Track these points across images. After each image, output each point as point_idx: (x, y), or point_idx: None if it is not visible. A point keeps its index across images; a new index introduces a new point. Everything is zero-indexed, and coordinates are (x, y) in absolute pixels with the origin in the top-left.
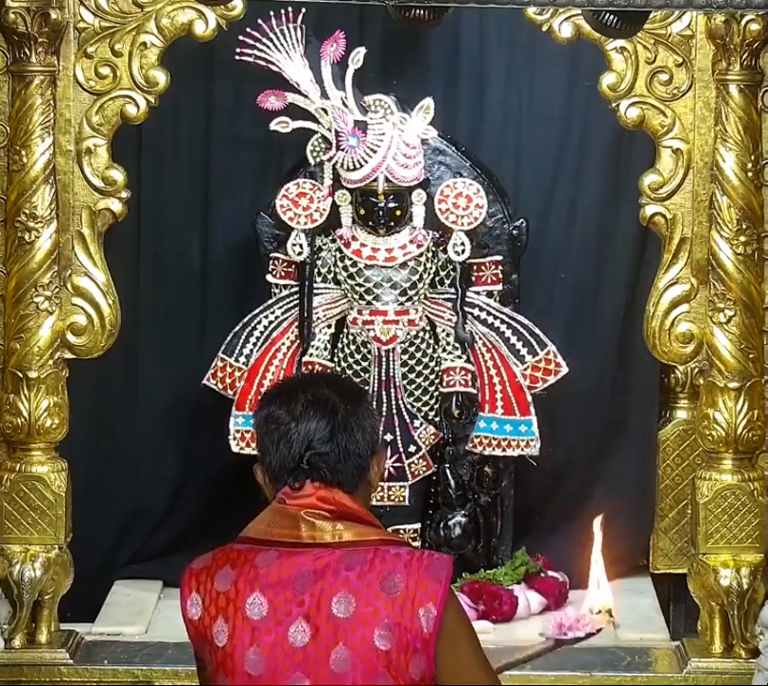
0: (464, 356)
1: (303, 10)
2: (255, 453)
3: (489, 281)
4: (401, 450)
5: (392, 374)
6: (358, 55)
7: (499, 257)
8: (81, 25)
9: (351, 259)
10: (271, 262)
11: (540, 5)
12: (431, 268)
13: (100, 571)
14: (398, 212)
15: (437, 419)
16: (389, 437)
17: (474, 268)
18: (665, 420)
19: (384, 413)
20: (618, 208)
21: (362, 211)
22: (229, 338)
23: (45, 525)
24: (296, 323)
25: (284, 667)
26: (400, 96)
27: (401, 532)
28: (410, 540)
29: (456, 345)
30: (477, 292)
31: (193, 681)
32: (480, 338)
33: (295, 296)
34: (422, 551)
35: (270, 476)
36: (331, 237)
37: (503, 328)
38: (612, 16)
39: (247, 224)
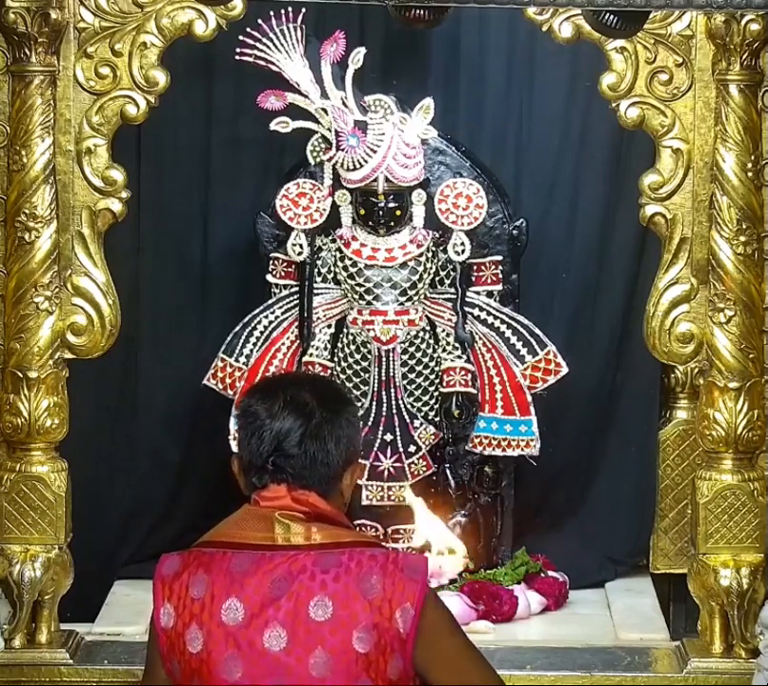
0: (464, 356)
1: (303, 10)
2: None
3: (489, 281)
4: (401, 450)
5: (392, 374)
6: (358, 55)
7: (499, 257)
8: (81, 25)
9: (351, 259)
10: (271, 262)
11: (540, 5)
12: (431, 268)
13: (100, 571)
14: (398, 212)
15: (437, 419)
16: (389, 437)
17: (474, 268)
18: (665, 420)
19: (384, 413)
20: (618, 208)
21: (362, 212)
22: (229, 338)
23: (45, 525)
24: (296, 323)
25: (261, 673)
26: (400, 96)
27: (401, 532)
28: (408, 539)
29: (456, 345)
30: (477, 292)
31: None
32: (480, 338)
33: (295, 296)
34: (397, 552)
35: (242, 468)
36: (331, 237)
37: (503, 328)
38: (612, 16)
39: (247, 224)
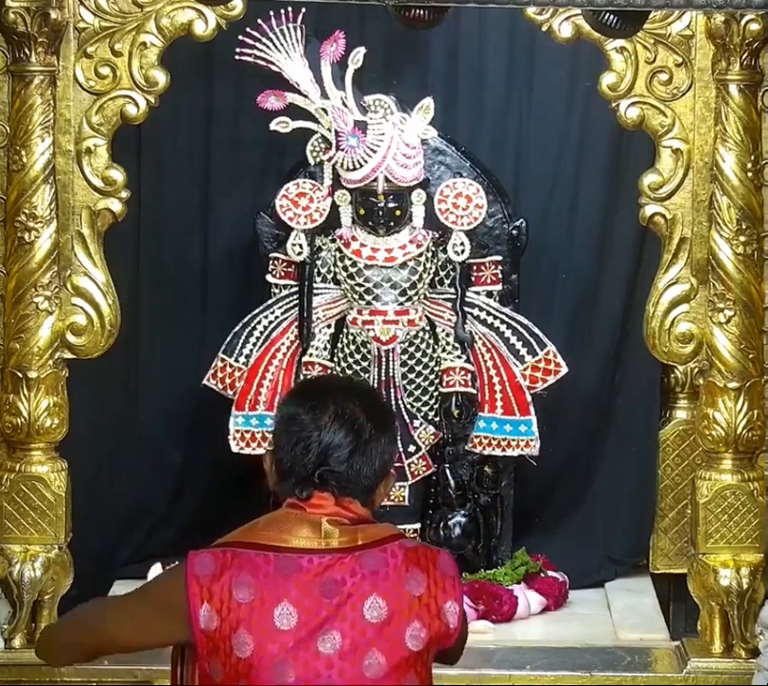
0: (464, 356)
1: (303, 10)
2: (255, 453)
3: (489, 281)
4: (401, 450)
5: (391, 374)
6: (358, 55)
7: (499, 257)
8: (81, 25)
9: (350, 259)
10: (271, 262)
11: (540, 5)
12: (430, 268)
13: (100, 571)
14: (398, 212)
15: (437, 419)
16: None
17: (474, 268)
18: (665, 420)
19: None
20: (618, 208)
21: (362, 212)
22: (229, 338)
23: (45, 525)
24: (296, 323)
25: (314, 675)
26: (400, 96)
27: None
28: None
29: (456, 345)
30: (477, 292)
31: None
32: (480, 338)
33: (295, 296)
34: (426, 548)
35: (278, 470)
36: (331, 237)
37: (503, 328)
38: (612, 16)
39: (247, 224)
